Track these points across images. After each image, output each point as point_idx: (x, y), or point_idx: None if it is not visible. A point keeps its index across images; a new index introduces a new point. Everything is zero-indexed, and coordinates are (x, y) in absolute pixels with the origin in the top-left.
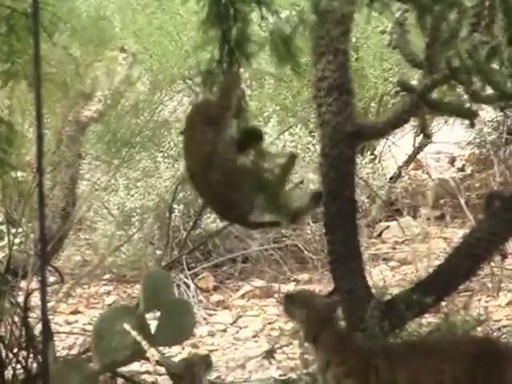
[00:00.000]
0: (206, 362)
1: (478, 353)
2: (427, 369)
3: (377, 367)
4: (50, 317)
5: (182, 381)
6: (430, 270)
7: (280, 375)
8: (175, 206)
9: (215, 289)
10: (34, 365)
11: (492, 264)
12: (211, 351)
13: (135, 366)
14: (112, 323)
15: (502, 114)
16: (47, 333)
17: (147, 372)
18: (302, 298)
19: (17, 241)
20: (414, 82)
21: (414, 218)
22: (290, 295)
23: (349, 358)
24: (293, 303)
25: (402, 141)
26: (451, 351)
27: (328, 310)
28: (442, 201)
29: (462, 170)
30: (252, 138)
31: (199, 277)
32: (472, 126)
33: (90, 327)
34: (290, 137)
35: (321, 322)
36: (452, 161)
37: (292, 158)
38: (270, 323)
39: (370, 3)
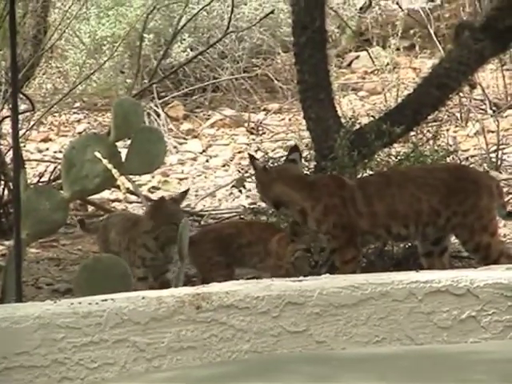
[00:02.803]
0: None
1: (452, 179)
2: (404, 199)
3: (353, 200)
4: (22, 144)
5: None
6: (399, 100)
7: (249, 204)
8: (146, 34)
9: (185, 118)
10: (6, 192)
11: (461, 94)
12: (181, 179)
13: (105, 194)
14: (83, 151)
15: None
16: (18, 160)
17: (117, 200)
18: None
19: None
20: None
21: (384, 48)
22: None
23: (322, 196)
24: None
25: None
26: (426, 179)
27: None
28: (411, 31)
29: (431, 0)
30: None
31: (169, 106)
32: None
33: (60, 155)
34: None
35: None
36: None
37: None
38: (239, 152)
39: None
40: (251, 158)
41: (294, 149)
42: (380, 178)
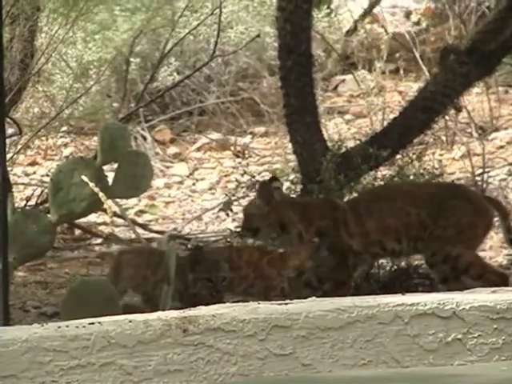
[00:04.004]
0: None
1: (441, 194)
2: (393, 213)
3: (346, 222)
4: (9, 168)
5: None
6: (385, 124)
7: (236, 227)
8: (132, 59)
9: (172, 141)
10: None
11: (446, 117)
12: (167, 203)
13: (92, 218)
14: (70, 175)
15: None
16: (5, 184)
17: (104, 223)
18: None
19: None
20: None
21: (370, 71)
22: None
23: (314, 219)
24: None
25: None
26: (415, 194)
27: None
28: (397, 54)
29: (417, 23)
30: None
31: (156, 129)
32: None
33: (47, 179)
34: None
35: None
36: (408, 15)
37: None
38: (226, 175)
39: None
40: (265, 184)
41: (273, 179)
42: (369, 195)
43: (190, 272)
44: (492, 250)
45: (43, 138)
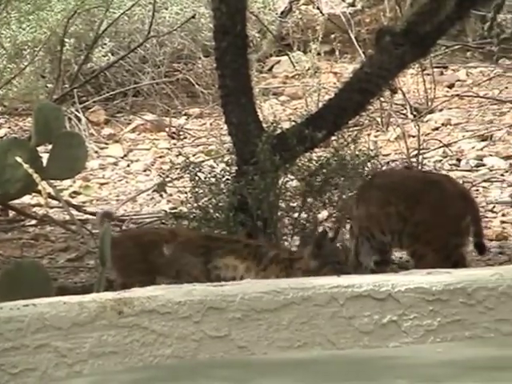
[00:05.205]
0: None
1: (420, 187)
2: (378, 201)
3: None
4: None
5: None
6: (321, 105)
7: (171, 208)
8: (67, 39)
9: (106, 122)
10: None
11: (381, 99)
12: (102, 184)
13: (26, 199)
14: (4, 156)
15: None
16: None
17: (38, 204)
18: None
19: None
20: None
21: (305, 52)
22: None
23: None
24: None
25: None
26: (395, 184)
27: None
28: (332, 36)
29: (352, 5)
30: None
31: (90, 110)
32: None
33: None
34: None
35: None
36: None
37: None
38: (161, 157)
39: None
40: None
41: None
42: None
43: (314, 258)
44: None
45: None
